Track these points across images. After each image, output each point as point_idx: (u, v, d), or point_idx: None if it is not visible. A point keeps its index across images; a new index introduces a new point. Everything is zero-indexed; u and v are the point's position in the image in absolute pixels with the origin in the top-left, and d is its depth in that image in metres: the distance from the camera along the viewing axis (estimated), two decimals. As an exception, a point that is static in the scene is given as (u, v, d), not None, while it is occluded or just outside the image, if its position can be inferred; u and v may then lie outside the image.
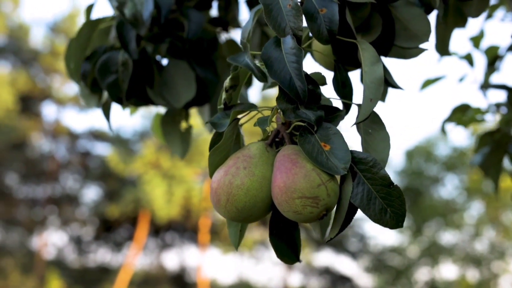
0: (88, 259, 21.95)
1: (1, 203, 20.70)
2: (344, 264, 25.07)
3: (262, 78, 1.15)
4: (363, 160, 1.08)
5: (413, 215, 18.90)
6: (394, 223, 1.06)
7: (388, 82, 1.40)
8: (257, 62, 1.18)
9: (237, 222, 1.20)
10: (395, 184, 1.07)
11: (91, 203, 20.86)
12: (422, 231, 19.04)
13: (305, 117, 1.09)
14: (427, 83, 2.29)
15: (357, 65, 1.28)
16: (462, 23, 1.71)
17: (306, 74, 1.13)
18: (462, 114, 2.14)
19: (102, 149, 20.98)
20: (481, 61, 2.29)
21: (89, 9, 1.75)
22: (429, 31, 1.33)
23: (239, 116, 1.21)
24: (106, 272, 21.24)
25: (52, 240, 21.82)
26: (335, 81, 1.25)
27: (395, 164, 20.35)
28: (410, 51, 1.36)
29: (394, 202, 1.06)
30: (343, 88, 1.26)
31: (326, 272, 21.07)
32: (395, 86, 1.41)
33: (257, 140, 1.21)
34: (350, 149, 1.09)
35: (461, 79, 2.31)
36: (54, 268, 20.46)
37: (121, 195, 18.35)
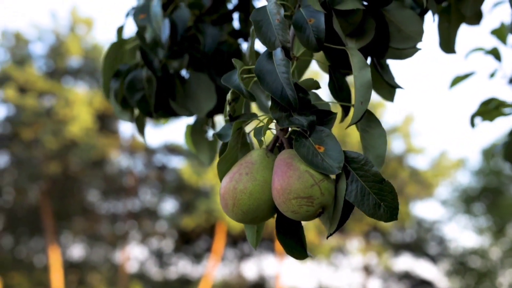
0: (169, 271, 22.38)
1: (85, 219, 21.39)
2: (424, 268, 24.62)
3: (251, 98, 1.24)
4: (355, 159, 1.16)
5: (492, 215, 18.43)
6: (388, 216, 1.13)
7: (389, 83, 1.47)
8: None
9: (246, 224, 1.28)
10: (386, 180, 1.14)
11: (169, 216, 21.28)
12: (504, 231, 18.53)
13: (298, 123, 1.17)
14: (457, 80, 2.31)
15: (351, 69, 1.35)
16: (475, 20, 1.75)
17: (295, 83, 1.21)
18: (489, 108, 2.16)
19: (177, 162, 21.40)
20: (509, 55, 2.29)
21: (120, 30, 1.88)
22: (422, 31, 1.39)
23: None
24: (187, 283, 21.61)
25: (134, 254, 22.38)
26: (331, 86, 1.32)
27: (472, 164, 19.92)
28: (405, 52, 1.43)
29: (386, 197, 1.13)
30: (340, 92, 1.34)
31: (406, 276, 20.74)
32: (396, 86, 1.48)
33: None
34: (344, 149, 1.17)
35: (492, 75, 2.32)
36: (137, 281, 20.98)
37: (195, 206, 18.66)
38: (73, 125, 17.58)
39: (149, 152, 21.40)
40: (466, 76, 2.31)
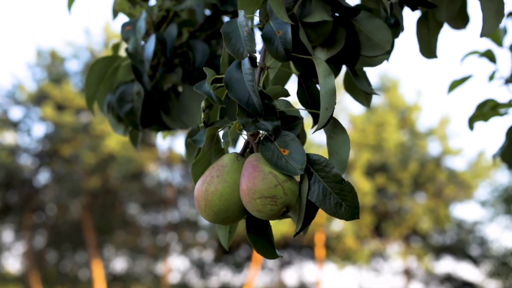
0: (211, 281, 22.52)
1: (126, 232, 21.67)
2: (466, 270, 24.29)
3: (220, 102, 1.32)
4: (317, 161, 1.22)
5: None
6: (349, 215, 1.19)
7: (363, 91, 1.53)
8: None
9: (219, 224, 1.36)
10: (346, 180, 1.21)
11: (208, 227, 21.41)
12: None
13: (263, 128, 1.24)
14: (454, 84, 2.34)
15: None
16: (461, 24, 1.80)
17: (260, 90, 1.29)
18: (485, 109, 2.19)
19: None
20: (506, 57, 2.31)
21: (116, 46, 1.99)
22: (390, 39, 1.45)
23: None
24: (229, 292, 21.76)
25: (176, 265, 22.59)
26: (300, 94, 1.39)
27: (511, 163, 19.57)
28: (375, 59, 1.50)
29: (347, 197, 1.19)
30: (312, 99, 1.40)
31: (448, 279, 20.50)
32: (369, 92, 1.54)
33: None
34: (306, 152, 1.24)
35: (491, 77, 2.34)
36: (179, 291, 21.18)
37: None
38: (110, 140, 17.85)
39: (187, 163, 21.55)
40: (463, 79, 2.34)
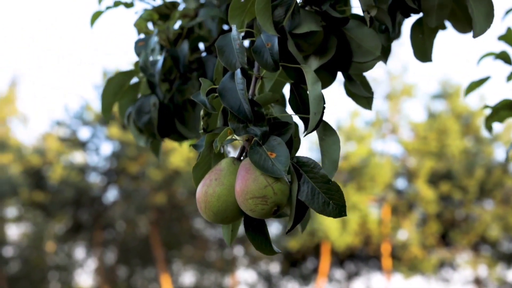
0: (279, 293, 22.59)
1: (193, 246, 21.98)
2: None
3: (213, 110, 1.43)
4: (306, 163, 1.32)
5: None
6: (337, 212, 1.27)
7: (358, 94, 1.61)
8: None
9: (219, 223, 1.46)
10: (333, 180, 1.30)
11: (274, 239, 21.45)
12: None
13: (252, 132, 1.34)
14: (472, 86, 2.36)
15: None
16: (467, 28, 1.84)
17: (251, 98, 1.39)
18: (499, 109, 2.21)
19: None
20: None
21: (137, 64, 2.12)
22: (379, 46, 1.53)
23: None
24: (298, 305, 21.75)
25: (243, 278, 22.75)
26: (292, 101, 1.48)
27: None
28: (366, 65, 1.57)
29: (334, 195, 1.28)
30: (303, 105, 1.49)
31: (521, 288, 19.98)
32: (364, 96, 1.63)
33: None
34: (297, 155, 1.34)
35: (509, 77, 2.35)
36: (248, 304, 21.30)
37: (298, 227, 18.78)
38: (175, 157, 18.20)
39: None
40: (482, 81, 2.36)
